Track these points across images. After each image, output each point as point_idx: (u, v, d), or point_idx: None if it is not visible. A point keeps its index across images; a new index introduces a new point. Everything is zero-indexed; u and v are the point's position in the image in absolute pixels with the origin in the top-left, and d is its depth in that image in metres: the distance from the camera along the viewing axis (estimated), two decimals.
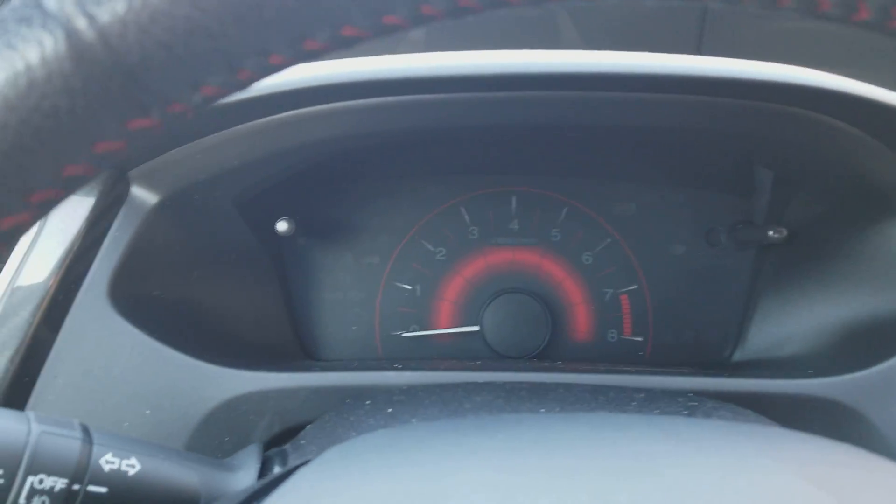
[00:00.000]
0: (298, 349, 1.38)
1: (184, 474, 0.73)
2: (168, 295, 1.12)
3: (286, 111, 1.03)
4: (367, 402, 0.85)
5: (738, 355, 1.34)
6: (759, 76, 0.99)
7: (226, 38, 0.36)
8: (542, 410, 0.75)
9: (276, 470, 0.78)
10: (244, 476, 0.76)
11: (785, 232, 1.25)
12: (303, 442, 0.83)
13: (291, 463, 0.78)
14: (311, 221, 1.37)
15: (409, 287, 1.45)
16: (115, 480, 0.69)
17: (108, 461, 0.69)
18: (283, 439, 0.96)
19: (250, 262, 1.27)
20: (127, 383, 1.02)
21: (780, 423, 1.03)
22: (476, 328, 1.42)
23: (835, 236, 1.21)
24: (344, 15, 0.37)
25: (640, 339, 1.43)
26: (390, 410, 0.80)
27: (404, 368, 1.08)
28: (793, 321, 1.26)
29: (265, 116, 1.03)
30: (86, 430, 0.70)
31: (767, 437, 0.61)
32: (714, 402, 0.85)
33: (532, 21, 2.37)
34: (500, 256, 1.46)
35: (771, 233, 1.24)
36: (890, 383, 1.04)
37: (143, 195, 1.09)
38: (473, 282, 1.45)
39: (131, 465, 0.70)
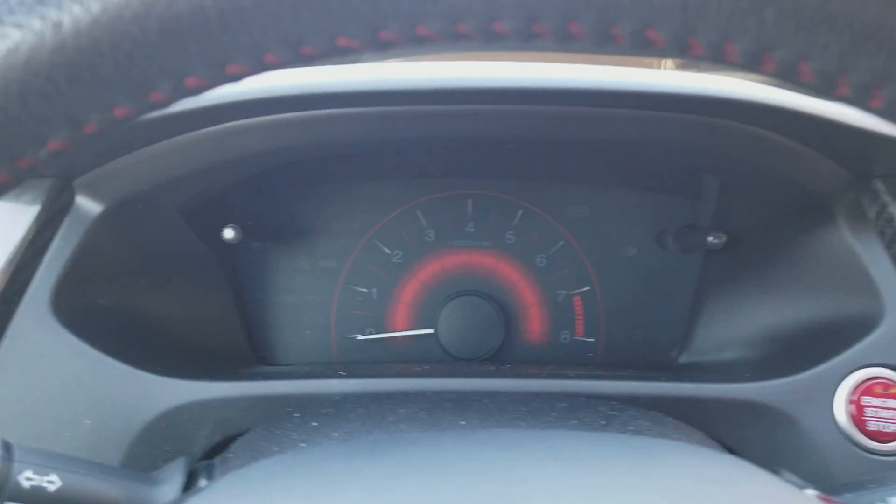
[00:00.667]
0: (252, 355, 1.39)
1: (105, 489, 0.73)
2: (113, 304, 1.12)
3: (230, 121, 1.03)
4: (296, 415, 0.86)
5: (685, 357, 1.36)
6: (699, 91, 1.00)
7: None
8: (463, 423, 0.77)
9: (202, 483, 0.79)
10: (168, 490, 0.77)
11: (725, 237, 1.26)
12: (230, 455, 0.84)
13: (217, 476, 0.79)
14: (263, 227, 1.37)
15: (366, 290, 1.46)
16: (35, 497, 0.69)
17: (28, 478, 0.70)
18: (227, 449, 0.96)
19: (199, 269, 1.27)
20: (67, 395, 1.02)
21: (718, 425, 1.05)
22: (431, 331, 1.43)
23: (775, 242, 1.23)
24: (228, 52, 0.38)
25: (591, 339, 1.45)
26: (315, 424, 0.81)
27: (349, 376, 1.09)
28: (735, 324, 1.27)
29: (209, 126, 1.03)
30: (7, 447, 0.70)
31: (657, 452, 0.62)
32: (636, 410, 0.86)
33: None
34: (455, 259, 1.47)
35: (711, 238, 1.26)
36: (821, 388, 1.05)
37: (88, 204, 1.09)
38: (429, 284, 1.46)
39: (51, 482, 0.71)
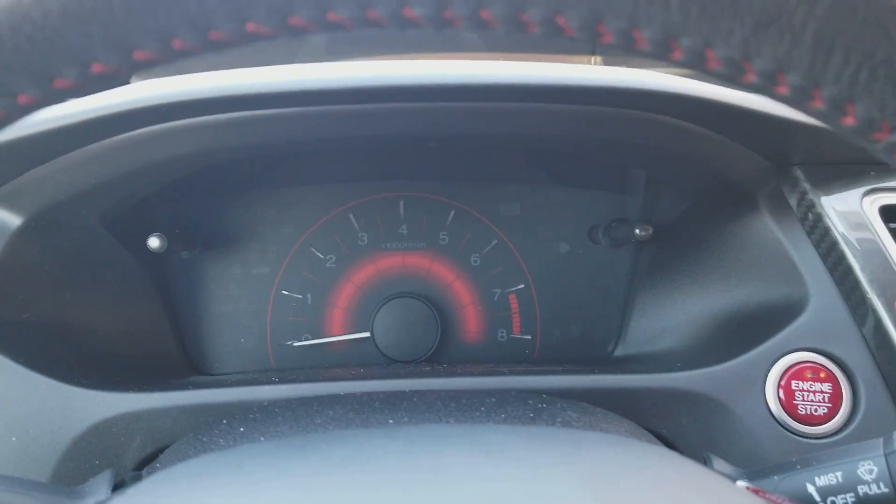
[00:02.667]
0: (187, 365, 1.36)
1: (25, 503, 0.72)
2: (37, 318, 1.09)
3: (146, 126, 1.01)
4: (224, 422, 0.85)
5: (620, 350, 1.37)
6: (621, 84, 1.00)
7: None
8: (391, 421, 0.76)
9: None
10: (92, 503, 0.75)
11: (651, 229, 1.28)
12: (158, 465, 0.83)
13: None
14: (191, 235, 1.35)
15: (300, 296, 1.44)
16: None
17: None
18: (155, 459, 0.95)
19: (126, 279, 1.25)
20: None
21: (652, 415, 1.06)
22: (367, 334, 1.43)
23: (701, 232, 1.25)
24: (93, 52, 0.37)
25: (528, 337, 1.45)
26: (242, 429, 0.80)
27: (281, 381, 1.08)
28: (667, 316, 1.29)
29: (125, 132, 1.01)
30: None
31: (576, 442, 0.62)
32: (565, 402, 0.86)
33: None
34: (390, 261, 1.47)
35: (638, 230, 1.27)
36: (751, 374, 1.07)
37: (6, 217, 1.06)
38: (364, 288, 1.45)
39: None
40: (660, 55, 0.42)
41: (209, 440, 0.80)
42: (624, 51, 0.42)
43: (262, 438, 0.76)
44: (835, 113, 0.42)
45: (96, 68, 0.38)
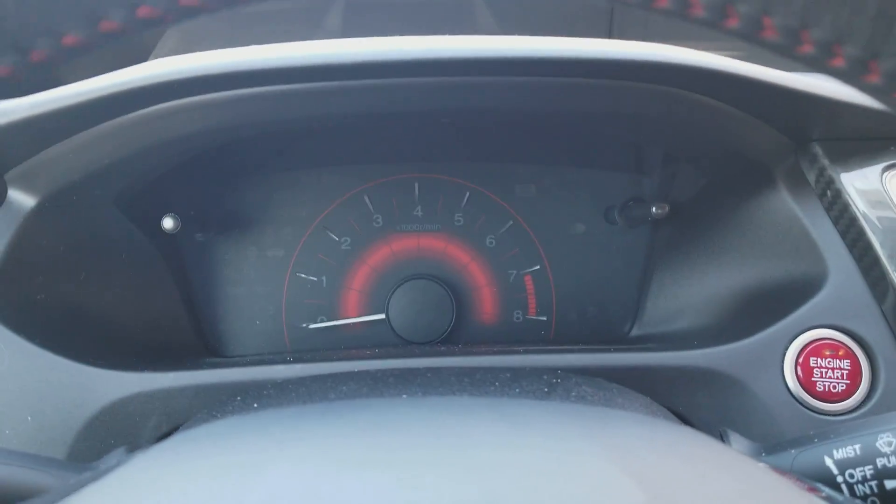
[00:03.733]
0: (202, 347, 1.37)
1: (40, 479, 0.72)
2: (52, 299, 1.10)
3: (159, 103, 1.01)
4: (238, 398, 0.85)
5: (637, 330, 1.36)
6: (638, 57, 0.99)
7: None
8: (404, 396, 0.76)
9: None
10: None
11: (667, 208, 1.27)
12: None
13: None
14: (206, 216, 1.35)
15: (315, 278, 1.44)
16: None
17: None
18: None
19: (140, 261, 1.25)
20: (7, 391, 1.00)
21: (669, 392, 1.05)
22: (382, 316, 1.42)
23: (719, 210, 1.23)
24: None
25: (544, 318, 1.45)
26: (256, 406, 0.79)
27: (295, 361, 1.08)
28: (684, 294, 1.28)
29: (138, 110, 1.01)
30: None
31: (597, 418, 0.61)
32: (580, 377, 0.86)
33: (447, 5, 2.37)
34: (404, 243, 1.46)
35: (654, 209, 1.26)
36: (768, 351, 1.06)
37: (21, 198, 1.06)
38: (379, 270, 1.45)
39: None
40: (715, 22, 0.41)
41: (222, 416, 0.80)
42: (679, 17, 0.41)
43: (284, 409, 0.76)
44: (890, 86, 0.41)
45: (68, 41, 0.38)
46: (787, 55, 0.42)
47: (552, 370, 0.87)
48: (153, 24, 0.41)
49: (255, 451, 0.53)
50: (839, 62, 0.41)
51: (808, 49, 0.40)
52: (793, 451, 0.76)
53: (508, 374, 0.83)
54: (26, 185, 1.06)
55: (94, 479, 0.57)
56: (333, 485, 0.46)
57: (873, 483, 0.71)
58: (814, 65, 0.42)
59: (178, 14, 0.40)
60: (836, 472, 0.72)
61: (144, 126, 1.03)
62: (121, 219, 1.18)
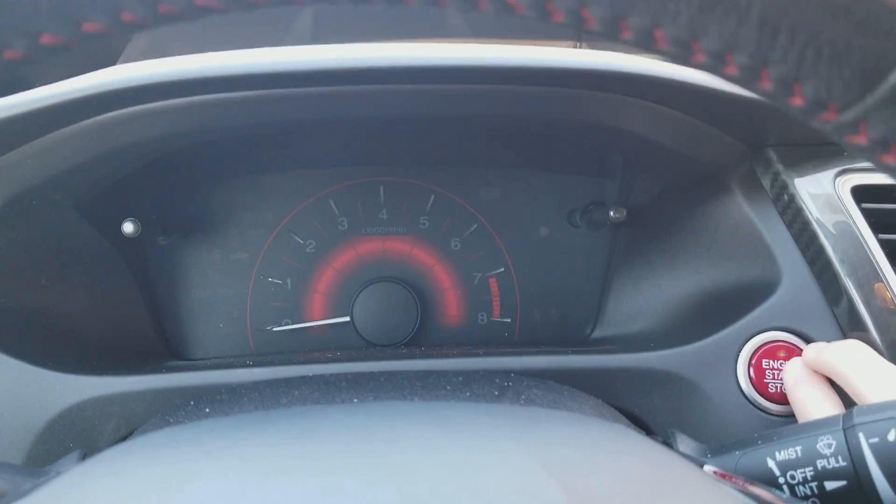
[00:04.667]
0: (165, 351, 1.37)
1: None
2: (11, 302, 1.10)
3: (117, 109, 1.01)
4: (192, 403, 0.85)
5: (598, 332, 1.38)
6: (593, 66, 1.01)
7: None
8: (355, 400, 0.76)
9: None
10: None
11: (624, 212, 1.28)
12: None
13: None
14: (168, 220, 1.35)
15: (280, 281, 1.45)
16: None
17: None
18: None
19: (101, 265, 1.25)
20: None
21: (624, 394, 1.06)
22: (346, 318, 1.43)
23: (676, 214, 1.25)
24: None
25: (508, 320, 1.46)
26: (208, 410, 0.80)
27: (255, 364, 1.08)
28: (642, 297, 1.29)
29: (96, 115, 1.01)
30: None
31: (531, 420, 0.62)
32: (532, 380, 0.87)
33: (418, 10, 2.37)
34: (370, 246, 1.47)
35: (612, 213, 1.28)
36: (722, 353, 1.07)
37: None
38: (344, 273, 1.46)
39: None
40: (610, 35, 0.42)
41: (175, 421, 0.81)
42: (575, 29, 0.43)
43: (227, 419, 0.77)
44: (783, 93, 0.42)
45: (45, 39, 0.38)
46: (684, 64, 0.44)
47: (505, 374, 0.89)
48: (129, 31, 0.41)
49: (193, 460, 0.53)
50: (732, 70, 0.42)
51: (701, 58, 0.42)
52: (737, 452, 0.77)
53: (461, 378, 0.84)
54: None
55: (36, 487, 0.57)
56: (255, 492, 0.47)
57: (813, 484, 0.72)
58: (711, 72, 0.43)
59: (159, 20, 0.41)
60: (777, 473, 0.74)
61: (105, 131, 1.03)
62: (81, 223, 1.18)
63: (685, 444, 0.83)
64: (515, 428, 0.59)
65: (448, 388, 0.80)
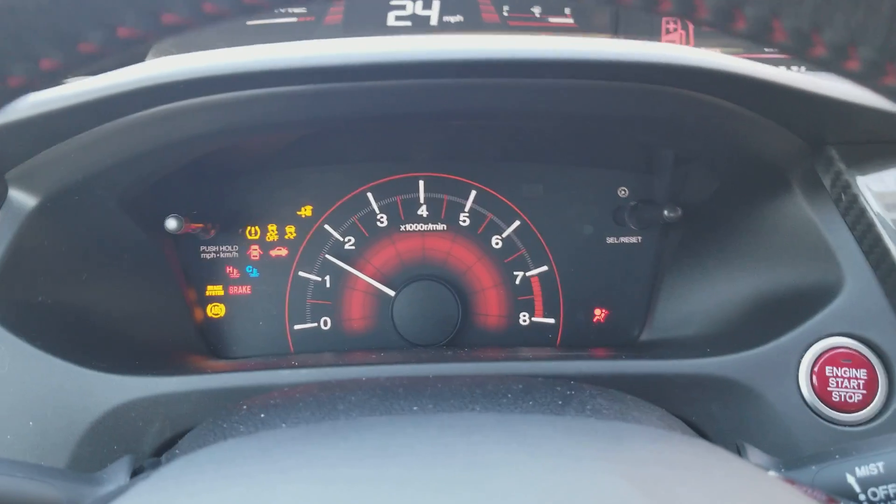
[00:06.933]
0: (205, 349, 1.35)
1: (45, 490, 0.70)
2: (54, 301, 1.08)
3: (163, 104, 0.99)
4: (245, 407, 0.83)
5: (646, 335, 1.35)
6: (653, 59, 0.97)
7: None
8: (415, 408, 0.74)
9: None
10: (112, 489, 0.74)
11: (680, 211, 1.24)
12: (177, 451, 0.81)
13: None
14: (211, 216, 1.33)
15: (319, 278, 1.42)
16: None
17: None
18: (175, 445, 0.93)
19: (143, 262, 1.23)
20: (8, 395, 0.98)
21: (681, 401, 1.03)
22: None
23: (732, 214, 1.21)
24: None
25: (551, 321, 1.43)
26: (263, 416, 0.78)
27: (301, 366, 1.06)
28: (695, 299, 1.26)
29: (141, 110, 0.99)
30: None
31: (618, 437, 0.60)
32: (594, 389, 0.84)
33: (454, 3, 2.34)
34: (409, 243, 1.44)
35: (666, 212, 1.24)
36: (783, 360, 1.04)
37: (22, 198, 1.05)
38: (383, 270, 1.43)
39: None
40: (721, 26, 0.39)
41: (229, 426, 0.78)
42: (686, 18, 0.39)
43: (284, 425, 0.74)
44: None
45: (122, 32, 0.36)
46: (799, 58, 0.40)
47: (564, 381, 0.86)
48: (169, 33, 0.39)
49: (277, 472, 0.51)
50: (853, 65, 0.39)
51: (820, 52, 0.39)
52: (814, 467, 0.74)
53: (520, 386, 0.81)
54: (27, 185, 1.05)
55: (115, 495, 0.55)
56: None
57: None
58: (828, 67, 0.40)
59: (198, 21, 0.39)
60: (858, 489, 0.70)
61: (148, 127, 1.01)
62: (124, 219, 1.16)
63: (756, 456, 0.80)
64: (597, 445, 0.57)
65: (509, 396, 0.77)
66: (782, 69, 1.02)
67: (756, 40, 0.40)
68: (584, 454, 0.54)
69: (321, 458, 0.53)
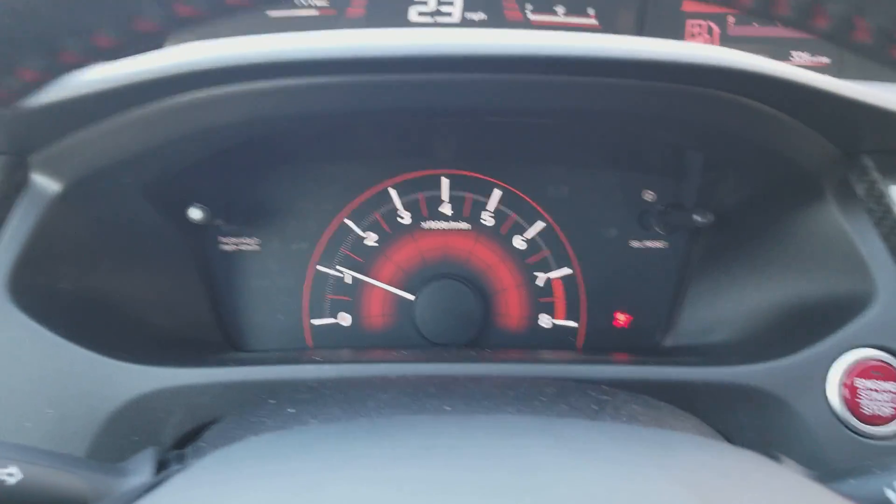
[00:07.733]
0: (223, 340, 1.34)
1: (71, 481, 0.69)
2: (75, 288, 1.07)
3: (193, 92, 0.97)
4: (272, 402, 0.82)
5: (670, 340, 1.33)
6: (684, 59, 0.95)
7: None
8: (447, 408, 0.73)
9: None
10: (137, 480, 0.73)
11: (711, 216, 1.23)
12: (202, 444, 0.80)
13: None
14: (232, 207, 1.32)
15: (339, 273, 1.41)
16: None
17: None
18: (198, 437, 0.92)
19: (165, 251, 1.22)
20: (28, 382, 0.97)
21: (708, 410, 1.02)
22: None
23: (763, 220, 1.20)
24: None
25: (573, 324, 1.41)
26: (292, 410, 0.77)
27: (324, 361, 1.05)
28: (722, 306, 1.24)
29: (168, 98, 0.97)
30: None
31: (651, 442, 0.58)
32: (627, 394, 0.83)
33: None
34: (431, 241, 1.43)
35: (698, 217, 1.22)
36: (813, 370, 1.02)
37: (45, 183, 1.03)
38: (404, 267, 1.42)
39: (10, 475, 0.67)
40: (801, 23, 0.37)
41: (257, 420, 0.77)
42: (758, 15, 0.38)
43: (314, 421, 0.73)
44: None
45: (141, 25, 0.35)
46: (883, 64, 0.39)
47: (597, 385, 0.84)
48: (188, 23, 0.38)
49: (323, 469, 0.50)
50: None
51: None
52: (851, 480, 0.73)
53: (553, 389, 0.79)
54: (52, 170, 1.03)
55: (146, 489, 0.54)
56: None
57: None
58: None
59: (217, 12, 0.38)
60: None
61: (175, 115, 0.99)
62: (148, 208, 1.15)
63: (793, 468, 0.79)
64: (654, 452, 0.55)
65: (543, 399, 0.76)
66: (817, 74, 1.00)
67: (838, 40, 0.38)
68: (636, 461, 0.52)
69: (367, 456, 0.52)
